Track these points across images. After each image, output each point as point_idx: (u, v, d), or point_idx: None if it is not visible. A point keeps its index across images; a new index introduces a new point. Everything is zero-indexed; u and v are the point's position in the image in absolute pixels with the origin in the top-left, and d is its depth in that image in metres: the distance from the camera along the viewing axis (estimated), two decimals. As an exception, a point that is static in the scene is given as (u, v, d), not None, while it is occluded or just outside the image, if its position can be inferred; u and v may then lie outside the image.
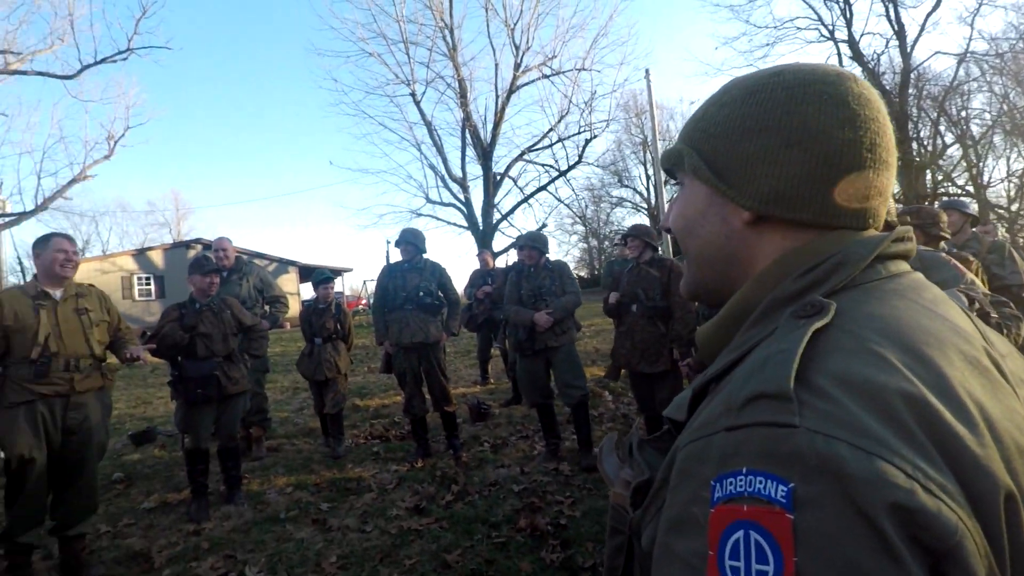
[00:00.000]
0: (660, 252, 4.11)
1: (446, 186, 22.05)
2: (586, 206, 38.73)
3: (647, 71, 16.97)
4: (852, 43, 20.08)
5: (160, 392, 8.36)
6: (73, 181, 19.46)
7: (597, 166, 26.19)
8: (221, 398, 3.75)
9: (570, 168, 22.25)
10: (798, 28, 20.81)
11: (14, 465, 2.78)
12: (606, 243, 41.26)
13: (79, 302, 3.04)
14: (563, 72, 21.74)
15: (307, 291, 33.34)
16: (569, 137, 22.06)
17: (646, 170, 37.92)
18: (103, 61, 17.67)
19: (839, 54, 20.37)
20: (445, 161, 21.78)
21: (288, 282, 25.02)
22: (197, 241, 25.67)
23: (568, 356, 4.25)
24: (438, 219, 22.62)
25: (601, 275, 7.99)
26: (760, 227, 0.55)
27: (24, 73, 17.28)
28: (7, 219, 18.76)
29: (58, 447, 2.92)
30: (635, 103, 33.81)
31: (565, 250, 41.56)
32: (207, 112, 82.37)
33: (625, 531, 0.58)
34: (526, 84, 22.07)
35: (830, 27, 20.35)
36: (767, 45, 21.08)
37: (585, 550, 2.87)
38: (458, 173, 21.95)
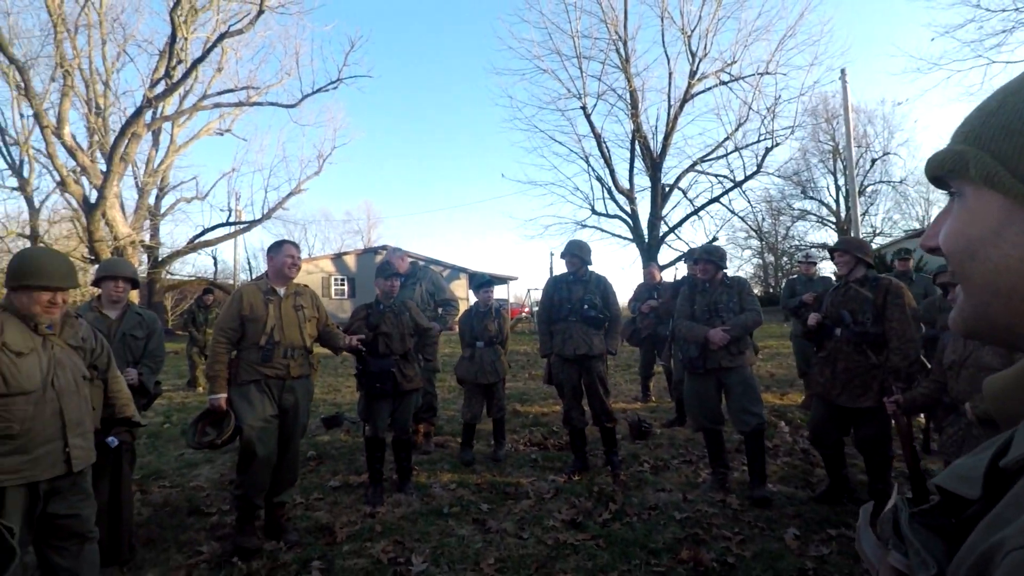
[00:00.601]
0: (867, 271, 3.58)
1: (612, 198, 21.92)
2: (763, 219, 35.89)
3: (843, 71, 15.29)
4: None
5: (348, 381, 9.35)
6: (291, 194, 22.77)
7: (778, 176, 24.09)
8: (396, 393, 4.05)
9: (747, 178, 20.85)
10: (1046, 8, 17.28)
11: (244, 434, 3.23)
12: (784, 259, 37.84)
13: (297, 299, 3.50)
14: (743, 78, 20.49)
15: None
16: (747, 146, 20.72)
17: (835, 180, 34.14)
18: (319, 91, 20.39)
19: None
20: (612, 173, 21.67)
21: (459, 287, 26.67)
22: (383, 247, 28.50)
23: (744, 379, 3.91)
24: (603, 231, 22.56)
25: (781, 294, 7.27)
26: None
27: (260, 104, 20.61)
28: (242, 226, 22.47)
29: (273, 424, 3.36)
30: (826, 107, 30.63)
31: (737, 265, 38.83)
32: (397, 130, 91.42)
33: None
34: (701, 92, 21.17)
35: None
36: (1003, 32, 17.79)
37: (757, 597, 2.59)
38: (625, 185, 21.70)
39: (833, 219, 33.89)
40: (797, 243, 36.37)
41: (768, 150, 20.42)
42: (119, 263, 3.60)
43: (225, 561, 3.09)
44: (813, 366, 3.75)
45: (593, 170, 21.98)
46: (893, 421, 3.20)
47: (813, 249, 28.33)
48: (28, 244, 19.25)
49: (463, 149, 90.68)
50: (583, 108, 21.18)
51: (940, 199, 34.90)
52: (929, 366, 3.16)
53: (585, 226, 22.39)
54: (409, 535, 3.38)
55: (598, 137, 21.36)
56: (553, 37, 21.89)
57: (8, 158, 19.62)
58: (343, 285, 28.29)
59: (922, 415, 4.29)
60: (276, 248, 3.50)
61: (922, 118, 52.19)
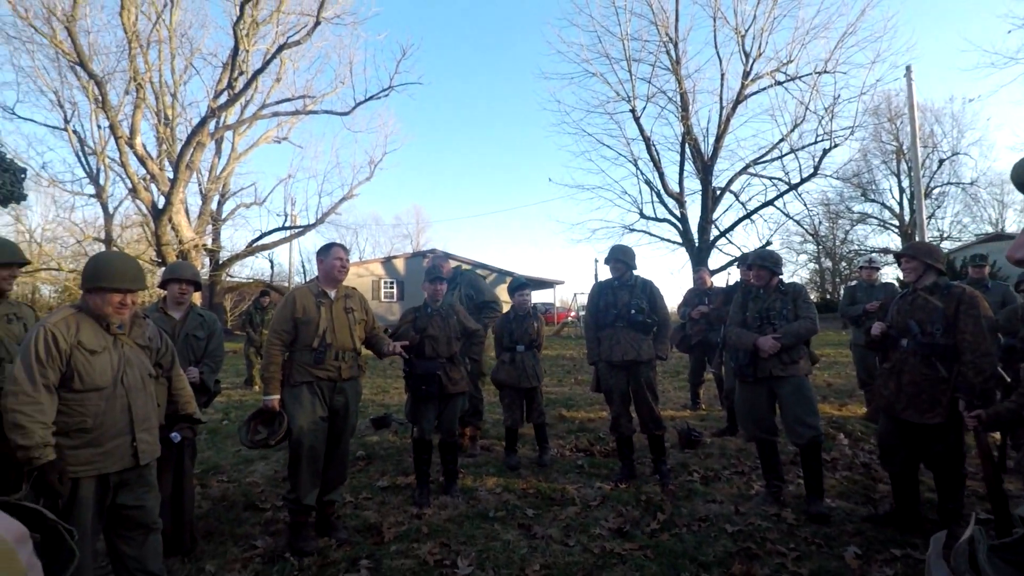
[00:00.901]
0: (937, 278, 3.35)
1: (661, 201, 21.61)
2: (819, 222, 34.51)
3: (908, 68, 14.63)
4: None
5: (396, 383, 9.52)
6: (343, 199, 23.45)
7: (836, 178, 23.16)
8: (442, 396, 4.09)
9: (803, 181, 20.18)
10: None
11: (295, 435, 3.31)
12: (842, 264, 36.29)
13: (347, 302, 3.56)
14: (800, 77, 19.88)
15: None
16: (804, 147, 20.07)
17: (899, 182, 32.55)
18: (371, 98, 20.96)
19: None
20: (662, 176, 21.36)
21: (504, 292, 26.77)
22: (431, 251, 28.93)
23: (798, 389, 3.75)
24: (651, 235, 22.27)
25: (840, 300, 6.97)
26: None
27: (315, 112, 21.34)
28: (297, 231, 23.26)
29: (324, 425, 3.44)
30: (889, 106, 29.33)
31: (792, 271, 37.44)
32: (446, 135, 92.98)
33: None
34: (755, 93, 20.63)
35: None
36: (1088, 20, 16.59)
37: (815, 618, 2.48)
38: (675, 188, 21.35)
39: (896, 223, 32.33)
40: (856, 248, 34.84)
41: (826, 151, 19.72)
42: (183, 266, 3.77)
43: (279, 556, 3.19)
44: (877, 378, 3.56)
45: (642, 173, 21.77)
46: (973, 437, 3.00)
47: (876, 254, 27.02)
48: (103, 248, 20.48)
49: (510, 154, 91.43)
50: (632, 111, 20.98)
51: (1017, 201, 32.73)
52: (1008, 379, 2.95)
53: (633, 230, 22.17)
54: (455, 537, 3.40)
55: (647, 140, 21.10)
56: (602, 40, 21.82)
57: (87, 167, 20.96)
58: (392, 288, 28.89)
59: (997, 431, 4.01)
60: (325, 251, 3.56)
61: (996, 116, 49.22)
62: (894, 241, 32.81)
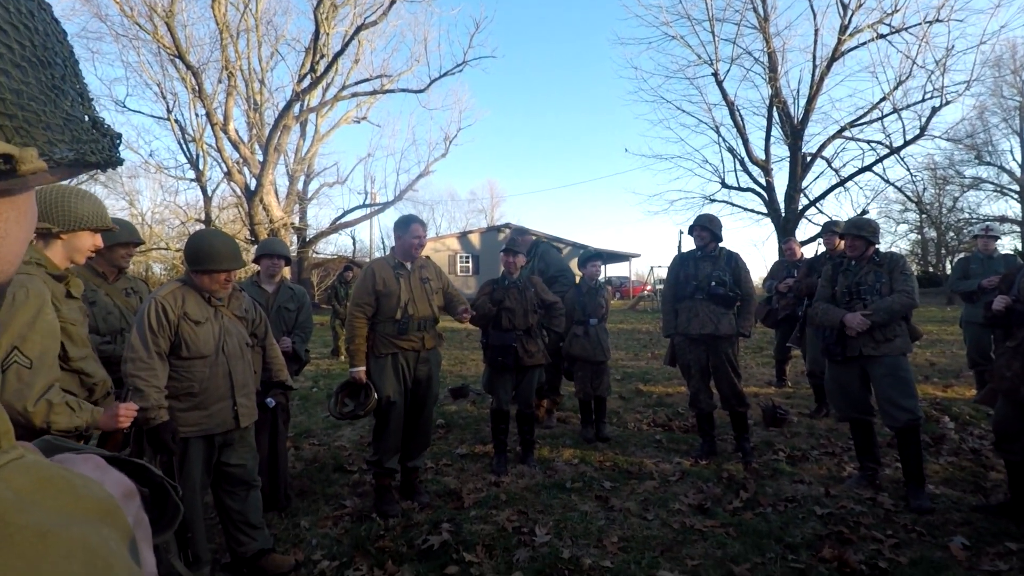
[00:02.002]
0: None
1: (745, 170, 20.52)
2: (924, 189, 31.60)
3: (1037, 8, 12.90)
4: None
5: (473, 355, 9.72)
6: (420, 176, 23.91)
7: (946, 140, 20.96)
8: (519, 368, 4.12)
9: (907, 144, 18.46)
10: None
11: (383, 405, 3.46)
12: (950, 234, 33.14)
13: (423, 272, 3.64)
14: (906, 28, 17.99)
15: (596, 275, 34.82)
16: (909, 107, 18.28)
17: (1022, 142, 29.12)
18: (445, 75, 21.10)
19: None
20: (746, 143, 20.25)
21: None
22: (506, 226, 29.07)
23: (893, 370, 3.47)
24: (734, 205, 21.26)
25: (950, 274, 6.36)
26: None
27: (392, 91, 21.76)
28: (376, 208, 24.03)
29: (409, 394, 3.57)
30: (1013, 56, 26.14)
31: (890, 242, 34.51)
32: (520, 109, 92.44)
33: None
34: (853, 48, 18.97)
35: None
36: None
37: (915, 608, 2.33)
38: (760, 155, 20.20)
39: (1016, 187, 29.05)
40: (967, 216, 31.64)
41: (935, 110, 17.90)
42: (275, 242, 3.99)
43: (366, 516, 3.36)
44: (998, 357, 3.24)
45: (724, 140, 20.71)
46: None
47: (992, 222, 24.45)
48: (203, 228, 22.05)
49: (585, 125, 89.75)
50: (715, 74, 19.91)
51: None
52: None
53: (714, 200, 21.22)
54: (532, 506, 3.45)
55: (731, 105, 20.02)
56: (683, 1, 20.73)
57: (187, 153, 22.51)
58: (468, 263, 29.36)
59: None
60: (403, 227, 3.58)
61: None
62: (1013, 209, 29.58)
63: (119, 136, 0.45)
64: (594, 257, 5.12)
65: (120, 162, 0.45)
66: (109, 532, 0.37)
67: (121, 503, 0.42)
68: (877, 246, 3.73)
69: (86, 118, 0.41)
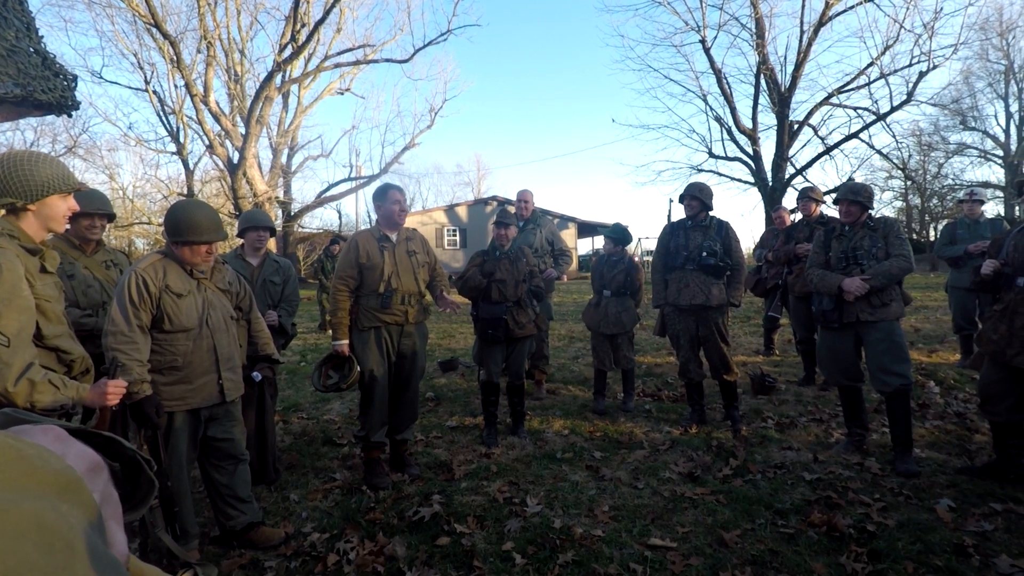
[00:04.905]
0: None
1: (733, 139, 20.38)
2: (909, 156, 31.64)
3: (1028, -29, 12.77)
4: None
5: (462, 328, 9.69)
6: (405, 148, 23.57)
7: (932, 105, 20.88)
8: (509, 339, 4.09)
9: (894, 109, 18.34)
10: None
11: (366, 379, 3.42)
12: (934, 200, 33.33)
13: (408, 245, 3.56)
14: (896, -11, 17.77)
15: (584, 246, 34.78)
16: (896, 71, 18.12)
17: (1007, 106, 29.12)
18: (429, 44, 20.59)
19: None
20: (733, 111, 20.06)
21: (568, 237, 26.55)
22: (493, 198, 28.85)
23: (887, 335, 3.49)
24: (720, 175, 21.17)
25: (937, 240, 6.39)
26: None
27: (376, 61, 21.25)
28: (362, 181, 23.69)
29: (393, 367, 3.53)
30: (1000, 19, 25.99)
31: (876, 210, 34.56)
32: (505, 79, 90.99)
33: None
34: (841, 12, 18.70)
35: None
36: None
37: (904, 570, 2.36)
38: (747, 124, 20.04)
39: (1000, 152, 29.16)
40: (951, 182, 31.81)
41: (922, 75, 17.77)
42: (259, 214, 3.88)
43: (356, 489, 3.35)
44: (986, 320, 3.25)
45: (712, 109, 20.47)
46: None
47: (978, 187, 24.62)
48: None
49: (571, 96, 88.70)
50: (702, 41, 19.59)
51: None
52: None
53: (701, 170, 21.12)
54: (523, 477, 3.46)
55: (718, 73, 19.76)
56: (670, -36, 20.23)
57: (168, 126, 21.94)
58: (455, 236, 29.14)
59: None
60: (381, 195, 3.48)
61: None
62: (996, 174, 29.75)
63: (74, 77, 0.38)
64: (619, 232, 4.94)
65: (76, 106, 0.39)
66: (69, 508, 0.33)
67: (85, 477, 0.37)
68: (871, 211, 3.70)
69: (33, 51, 0.35)
